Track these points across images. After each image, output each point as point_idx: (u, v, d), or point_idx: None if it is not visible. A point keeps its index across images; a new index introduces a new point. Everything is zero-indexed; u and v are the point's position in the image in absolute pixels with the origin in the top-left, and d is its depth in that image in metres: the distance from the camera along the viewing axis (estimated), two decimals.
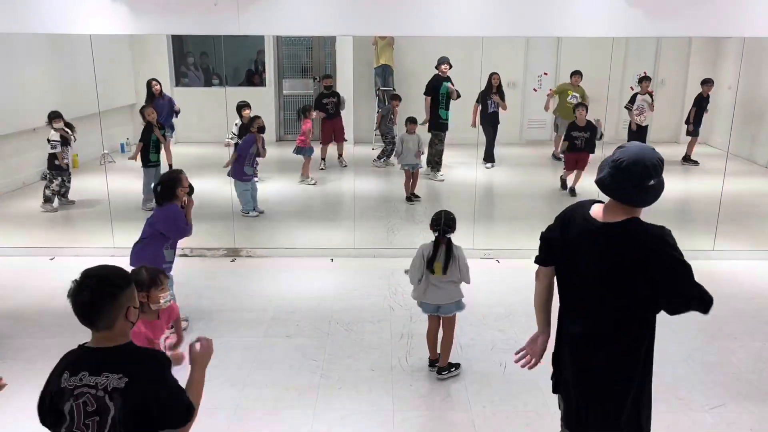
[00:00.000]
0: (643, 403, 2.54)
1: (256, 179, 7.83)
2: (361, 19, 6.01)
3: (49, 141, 7.62)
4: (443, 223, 4.08)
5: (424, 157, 8.73)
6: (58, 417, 2.20)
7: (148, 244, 4.72)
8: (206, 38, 9.31)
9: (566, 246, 2.56)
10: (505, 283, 5.86)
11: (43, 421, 2.26)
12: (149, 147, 7.71)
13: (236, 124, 8.64)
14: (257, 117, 7.84)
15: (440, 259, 4.08)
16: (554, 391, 2.86)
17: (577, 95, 9.86)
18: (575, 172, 8.56)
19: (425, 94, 9.09)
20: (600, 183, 2.42)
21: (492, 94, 9.65)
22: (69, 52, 8.35)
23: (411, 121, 8.35)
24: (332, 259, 6.46)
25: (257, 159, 7.74)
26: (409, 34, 8.68)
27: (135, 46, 10.14)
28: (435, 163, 9.23)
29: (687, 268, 2.31)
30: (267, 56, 11.45)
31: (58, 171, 7.74)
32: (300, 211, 7.80)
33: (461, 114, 9.44)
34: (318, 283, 5.93)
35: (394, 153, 8.85)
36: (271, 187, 8.80)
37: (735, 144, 8.33)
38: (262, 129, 7.69)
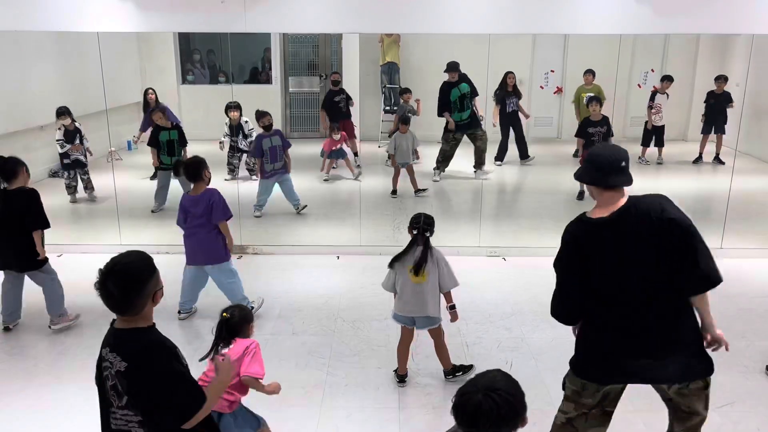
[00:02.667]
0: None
1: (284, 174, 7.62)
2: (367, 17, 6.01)
3: (57, 141, 7.71)
4: (423, 222, 4.01)
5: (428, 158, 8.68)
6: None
7: (211, 233, 4.89)
8: (213, 36, 9.32)
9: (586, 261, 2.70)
10: (511, 281, 5.85)
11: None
12: (160, 149, 7.62)
13: (226, 124, 8.64)
14: (265, 114, 7.71)
15: (416, 261, 3.93)
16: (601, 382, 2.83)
17: (592, 94, 9.67)
18: None
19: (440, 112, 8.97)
20: (579, 176, 2.83)
21: (508, 93, 9.61)
22: (76, 50, 8.38)
23: (403, 122, 8.39)
24: (338, 257, 6.47)
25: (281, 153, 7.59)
26: (415, 32, 8.68)
27: (142, 44, 10.16)
28: (440, 163, 9.16)
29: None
30: (273, 54, 11.44)
31: (67, 166, 7.82)
32: (306, 208, 7.80)
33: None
34: (324, 280, 5.94)
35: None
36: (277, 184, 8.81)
37: (744, 141, 8.28)
38: (266, 128, 7.59)
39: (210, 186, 4.98)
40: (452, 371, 4.23)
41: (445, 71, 8.90)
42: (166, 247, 6.45)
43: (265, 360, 4.51)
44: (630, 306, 2.66)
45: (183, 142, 7.74)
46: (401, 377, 4.20)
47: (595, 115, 8.13)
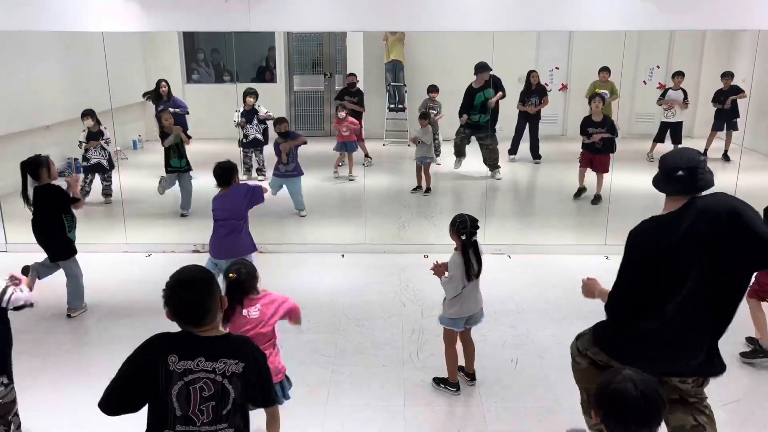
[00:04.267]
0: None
1: (294, 177, 7.60)
2: (372, 15, 6.00)
3: (79, 143, 7.77)
4: (470, 226, 3.85)
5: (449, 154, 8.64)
6: (141, 400, 2.24)
7: (241, 229, 5.02)
8: (217, 35, 9.34)
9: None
10: (516, 278, 5.84)
11: (116, 407, 2.26)
12: (170, 151, 7.54)
13: (237, 111, 8.62)
14: (282, 121, 7.67)
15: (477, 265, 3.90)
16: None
17: (607, 92, 9.59)
18: (596, 174, 7.83)
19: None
20: (654, 183, 2.84)
21: (530, 92, 9.62)
22: (81, 50, 8.39)
23: (422, 117, 8.35)
24: (343, 255, 6.47)
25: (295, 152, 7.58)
26: (420, 30, 8.66)
27: (146, 43, 10.18)
28: (492, 162, 9.05)
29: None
30: (277, 52, 11.45)
31: (86, 169, 7.83)
32: (311, 207, 7.81)
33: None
34: (329, 278, 5.94)
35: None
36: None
37: (750, 137, 8.23)
38: (283, 134, 7.53)
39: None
40: (474, 376, 4.20)
41: (474, 73, 8.74)
42: (172, 246, 6.47)
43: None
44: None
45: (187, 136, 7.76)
46: (455, 385, 4.06)
47: (596, 114, 7.74)
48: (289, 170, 7.55)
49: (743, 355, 4.43)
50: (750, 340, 4.53)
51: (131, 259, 6.26)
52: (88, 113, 7.64)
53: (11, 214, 6.80)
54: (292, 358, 4.49)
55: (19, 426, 3.43)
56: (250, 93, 8.63)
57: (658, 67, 10.45)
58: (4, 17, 5.97)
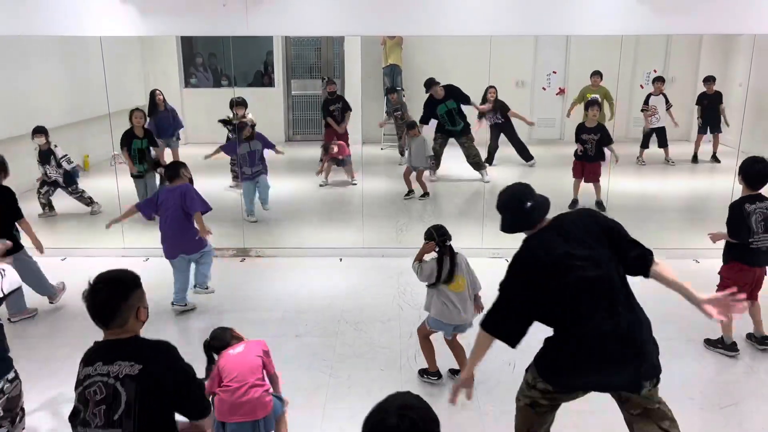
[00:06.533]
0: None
1: (261, 175, 7.62)
2: (370, 20, 6.02)
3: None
4: (437, 235, 4.03)
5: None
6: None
7: (185, 226, 5.05)
8: (215, 39, 9.34)
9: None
10: None
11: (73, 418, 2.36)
12: (132, 156, 7.36)
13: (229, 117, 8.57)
14: (246, 125, 7.64)
15: (457, 270, 4.00)
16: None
17: (598, 96, 9.58)
18: (588, 183, 7.79)
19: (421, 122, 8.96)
20: (502, 228, 3.05)
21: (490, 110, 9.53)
22: (80, 54, 8.41)
23: (410, 127, 8.44)
24: (341, 259, 6.47)
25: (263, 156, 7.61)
26: (418, 34, 8.68)
27: (145, 48, 10.20)
28: (474, 161, 9.09)
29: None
30: (276, 57, 11.47)
31: (44, 183, 7.71)
32: (309, 211, 7.81)
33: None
34: (327, 282, 5.94)
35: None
36: (279, 187, 8.82)
37: (747, 141, 8.24)
38: (247, 138, 7.53)
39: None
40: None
41: (426, 91, 8.88)
42: None
43: None
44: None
45: (153, 144, 7.60)
46: (435, 374, 4.21)
47: (590, 121, 7.72)
48: (257, 170, 7.59)
49: (706, 341, 4.67)
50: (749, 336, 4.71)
51: (129, 263, 6.23)
52: (41, 131, 7.41)
53: None
54: (290, 362, 4.50)
55: (22, 418, 3.48)
56: (239, 103, 8.34)
57: (655, 71, 10.48)
58: (2, 22, 5.98)
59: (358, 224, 7.07)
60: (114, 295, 2.30)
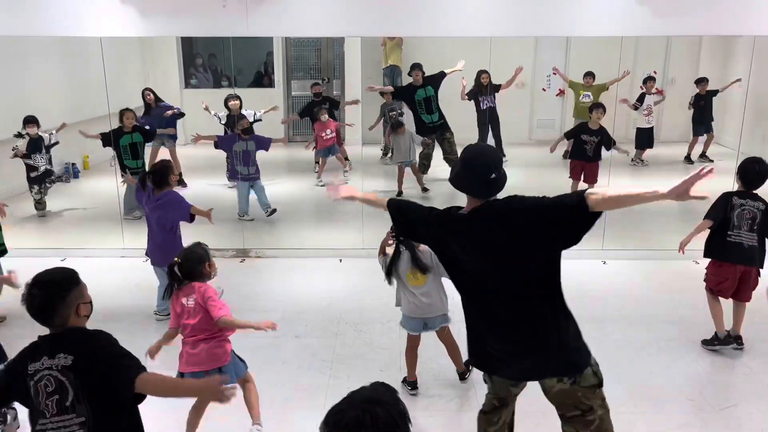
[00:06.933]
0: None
1: (256, 179, 7.59)
2: (370, 20, 6.02)
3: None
4: (392, 229, 3.93)
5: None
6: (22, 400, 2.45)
7: (168, 238, 4.90)
8: (215, 40, 9.34)
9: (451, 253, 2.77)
10: None
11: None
12: (123, 152, 7.26)
13: (219, 116, 8.59)
14: (242, 117, 7.68)
15: (410, 263, 3.93)
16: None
17: (590, 94, 9.65)
18: (585, 184, 7.73)
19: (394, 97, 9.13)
20: (452, 180, 2.74)
21: (482, 91, 9.45)
22: (79, 54, 8.41)
23: (398, 125, 8.51)
24: (341, 260, 6.48)
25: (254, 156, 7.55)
26: (418, 35, 8.66)
27: (145, 48, 10.20)
28: (423, 165, 9.07)
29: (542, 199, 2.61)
30: (276, 57, 11.47)
31: (34, 180, 7.41)
32: (308, 211, 7.82)
33: (465, 115, 9.40)
34: (327, 283, 5.94)
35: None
36: (279, 188, 8.82)
37: (746, 143, 8.26)
38: (246, 130, 7.51)
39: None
40: (467, 371, 4.21)
41: (408, 73, 8.94)
42: None
43: (268, 363, 4.54)
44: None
45: (148, 138, 7.54)
46: (412, 384, 4.14)
47: (593, 123, 7.70)
48: (252, 174, 7.54)
49: (704, 342, 4.67)
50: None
51: (129, 263, 6.26)
52: (33, 120, 7.31)
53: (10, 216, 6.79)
54: (289, 363, 4.51)
55: (15, 417, 3.54)
56: (234, 97, 8.40)
57: (655, 72, 10.48)
58: (2, 22, 5.98)
59: (358, 225, 7.07)
60: (51, 297, 2.37)
